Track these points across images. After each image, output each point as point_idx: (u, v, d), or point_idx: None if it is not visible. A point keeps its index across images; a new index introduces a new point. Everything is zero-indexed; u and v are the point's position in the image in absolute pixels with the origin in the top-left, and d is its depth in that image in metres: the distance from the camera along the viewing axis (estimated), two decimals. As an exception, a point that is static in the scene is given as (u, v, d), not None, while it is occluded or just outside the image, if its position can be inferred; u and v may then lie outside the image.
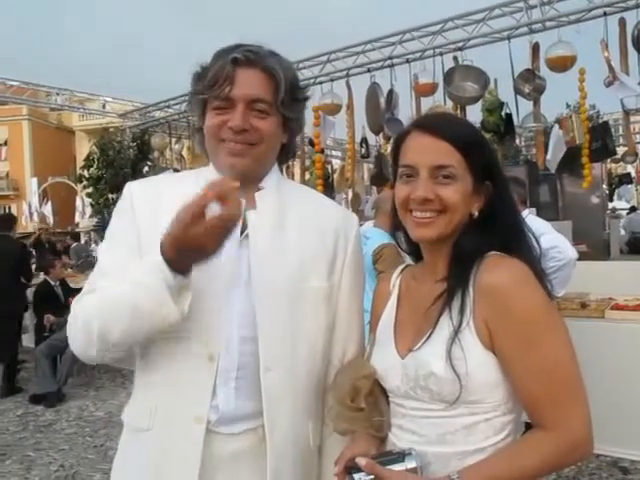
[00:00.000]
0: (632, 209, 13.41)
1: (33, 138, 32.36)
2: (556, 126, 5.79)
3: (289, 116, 1.25)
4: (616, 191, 14.69)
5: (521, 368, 1.02)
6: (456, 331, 1.05)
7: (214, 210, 1.01)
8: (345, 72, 7.15)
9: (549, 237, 3.40)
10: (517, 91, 6.02)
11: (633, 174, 14.12)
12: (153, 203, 1.22)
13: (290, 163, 8.97)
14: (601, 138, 5.38)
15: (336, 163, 11.10)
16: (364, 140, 7.88)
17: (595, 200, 10.31)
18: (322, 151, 7.52)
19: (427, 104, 6.64)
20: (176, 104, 9.53)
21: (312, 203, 1.35)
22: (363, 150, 7.82)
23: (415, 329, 1.14)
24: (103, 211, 9.93)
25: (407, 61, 6.67)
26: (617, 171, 14.78)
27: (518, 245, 1.13)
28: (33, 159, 32.13)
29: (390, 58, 6.75)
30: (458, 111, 6.45)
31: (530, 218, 3.57)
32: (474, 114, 6.42)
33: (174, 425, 1.18)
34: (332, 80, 7.29)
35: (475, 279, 1.07)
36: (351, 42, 7.02)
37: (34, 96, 11.01)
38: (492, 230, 1.14)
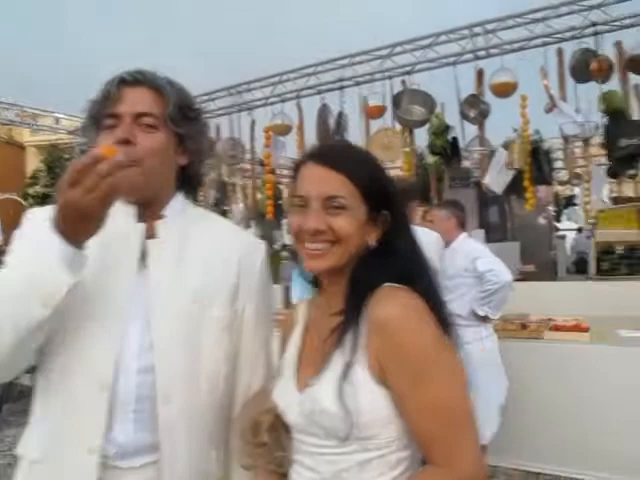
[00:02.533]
0: (579, 230, 13.81)
1: (-19, 153, 31.46)
2: (500, 149, 5.92)
3: (182, 133, 1.24)
4: (564, 212, 15.12)
5: (411, 406, 1.01)
6: (348, 366, 1.03)
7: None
8: (296, 94, 7.19)
9: (485, 260, 3.47)
10: (463, 115, 6.16)
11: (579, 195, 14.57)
12: None
13: (242, 183, 8.93)
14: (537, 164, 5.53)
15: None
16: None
17: (542, 221, 10.61)
18: (273, 172, 7.52)
19: (376, 126, 6.73)
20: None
21: (217, 232, 1.34)
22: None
23: (314, 363, 1.12)
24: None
25: (357, 84, 6.74)
26: (565, 193, 15.23)
27: (414, 276, 1.12)
28: (-19, 175, 31.19)
29: (340, 80, 6.81)
30: (407, 134, 6.55)
31: (467, 242, 3.64)
32: (422, 137, 6.53)
33: (66, 456, 1.15)
34: (283, 101, 7.31)
35: (368, 312, 1.06)
36: (302, 64, 7.04)
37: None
38: (389, 260, 1.13)
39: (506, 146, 5.83)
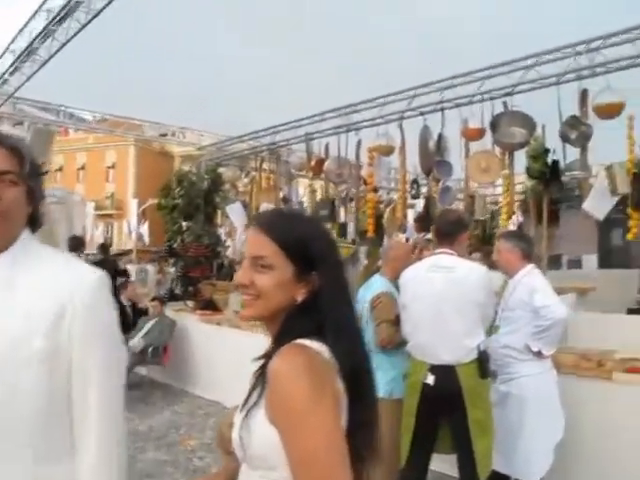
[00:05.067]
0: None
1: (137, 162, 34.89)
2: (602, 174, 5.68)
3: (34, 187, 1.41)
4: None
5: (286, 454, 1.14)
6: (251, 405, 1.22)
7: None
8: (399, 115, 7.35)
9: (541, 295, 3.44)
10: (564, 138, 5.96)
11: None
12: None
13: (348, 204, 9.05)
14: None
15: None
16: (415, 181, 8.01)
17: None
18: (375, 190, 7.73)
19: (476, 148, 6.70)
20: (249, 139, 10.10)
21: (49, 268, 1.42)
22: (414, 191, 7.95)
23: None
24: (175, 237, 10.58)
25: (457, 105, 6.77)
26: None
27: (328, 333, 1.24)
28: (136, 181, 34.60)
29: (441, 102, 6.88)
30: (506, 156, 6.46)
31: (530, 274, 3.60)
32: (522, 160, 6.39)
33: None
34: (387, 122, 7.51)
35: None
36: (404, 86, 7.18)
37: (133, 128, 11.80)
38: (307, 317, 1.27)
39: (607, 170, 5.58)
